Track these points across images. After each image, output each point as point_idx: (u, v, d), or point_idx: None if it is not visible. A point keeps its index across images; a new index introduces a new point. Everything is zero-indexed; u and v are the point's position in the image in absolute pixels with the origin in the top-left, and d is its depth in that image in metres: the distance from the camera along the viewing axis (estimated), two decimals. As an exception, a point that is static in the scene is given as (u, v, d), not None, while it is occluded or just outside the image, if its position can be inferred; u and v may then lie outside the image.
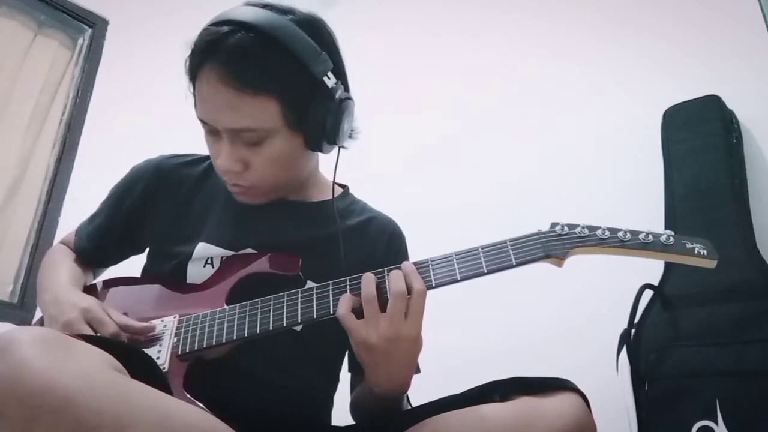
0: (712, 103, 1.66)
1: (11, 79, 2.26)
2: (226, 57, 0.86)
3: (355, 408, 1.00)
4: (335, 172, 1.05)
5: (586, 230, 0.82)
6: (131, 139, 2.23)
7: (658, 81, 1.86)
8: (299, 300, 0.85)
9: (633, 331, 1.56)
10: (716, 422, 1.33)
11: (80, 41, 2.46)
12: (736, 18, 1.74)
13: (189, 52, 0.91)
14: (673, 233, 0.79)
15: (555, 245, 0.81)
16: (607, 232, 0.81)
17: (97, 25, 2.47)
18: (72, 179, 2.23)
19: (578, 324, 1.76)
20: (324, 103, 0.90)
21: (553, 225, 0.84)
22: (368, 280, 0.82)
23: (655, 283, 1.57)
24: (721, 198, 1.55)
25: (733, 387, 1.35)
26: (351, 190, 1.15)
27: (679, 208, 1.62)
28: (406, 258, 1.11)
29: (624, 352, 1.53)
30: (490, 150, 2.23)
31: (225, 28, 0.87)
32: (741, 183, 1.57)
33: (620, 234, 0.80)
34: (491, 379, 0.82)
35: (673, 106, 1.73)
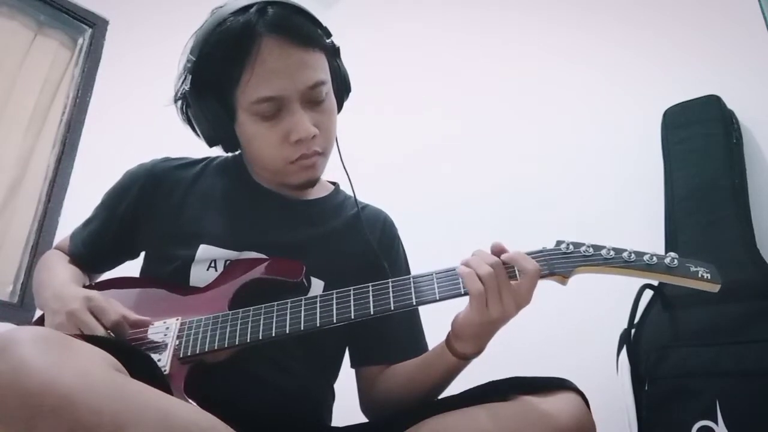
0: (712, 103, 1.66)
1: (11, 79, 2.26)
2: (282, 23, 0.92)
3: (406, 388, 0.96)
4: (340, 156, 1.08)
5: (591, 249, 0.83)
6: (131, 139, 2.24)
7: (658, 81, 1.86)
8: (303, 308, 0.85)
9: (633, 331, 1.56)
10: (716, 422, 1.33)
11: (80, 41, 2.46)
12: (736, 18, 1.74)
13: (211, 50, 0.93)
14: (677, 255, 0.80)
15: (559, 263, 0.82)
16: (612, 252, 0.82)
17: (97, 25, 2.47)
18: (72, 179, 2.23)
19: (578, 324, 1.76)
20: (340, 58, 1.03)
21: (558, 243, 0.85)
22: (479, 259, 0.81)
23: (655, 283, 1.57)
24: (721, 198, 1.55)
25: (733, 387, 1.35)
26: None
27: (679, 208, 1.61)
28: (401, 244, 1.14)
29: (624, 352, 1.52)
30: (490, 150, 2.23)
31: (253, 8, 0.92)
32: (741, 183, 1.57)
33: (625, 255, 0.81)
34: (491, 379, 0.82)
35: (673, 106, 1.73)
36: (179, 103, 1.01)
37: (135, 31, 2.52)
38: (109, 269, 1.13)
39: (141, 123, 2.31)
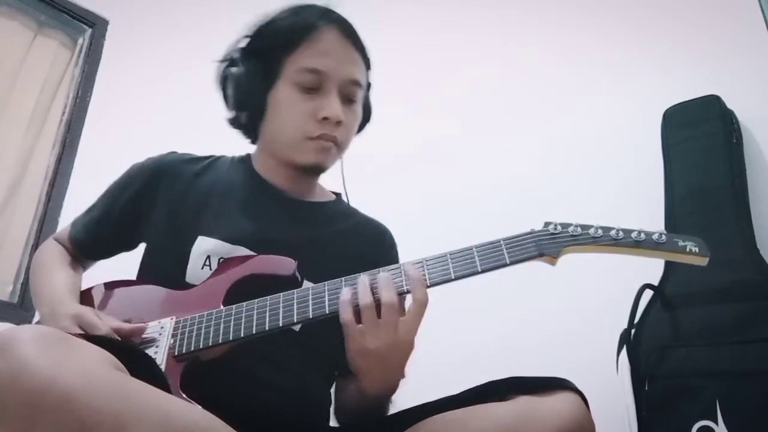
0: (712, 103, 1.66)
1: (11, 79, 2.26)
2: (345, 23, 1.05)
3: (341, 411, 0.99)
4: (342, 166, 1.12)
5: (579, 229, 0.83)
6: (131, 139, 2.23)
7: (658, 81, 1.86)
8: (295, 300, 0.85)
9: (633, 331, 1.56)
10: (716, 422, 1.33)
11: (80, 41, 2.46)
12: (736, 18, 1.74)
13: (279, 18, 1.05)
14: (665, 232, 0.80)
15: (548, 244, 0.82)
16: (600, 231, 0.82)
17: (97, 25, 2.47)
18: (72, 179, 2.23)
19: (578, 324, 1.76)
20: (369, 94, 1.13)
21: (547, 224, 0.85)
22: (363, 287, 0.82)
23: (655, 283, 1.57)
24: (721, 198, 1.55)
25: (733, 387, 1.35)
26: (351, 189, 1.17)
27: (679, 208, 1.61)
28: (397, 261, 1.12)
29: (624, 352, 1.53)
30: (490, 150, 2.23)
31: (325, 8, 1.05)
32: (741, 183, 1.57)
33: (613, 232, 0.81)
34: (490, 379, 0.82)
35: (673, 106, 1.73)
36: (223, 64, 1.07)
37: (135, 31, 2.52)
38: (106, 257, 1.14)
39: (141, 123, 2.31)
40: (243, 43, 1.06)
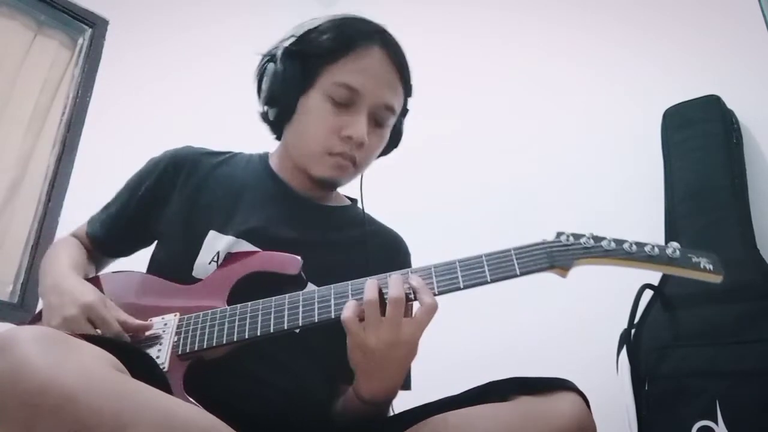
0: (712, 103, 1.66)
1: (11, 79, 2.26)
2: (393, 46, 1.03)
3: (337, 416, 0.98)
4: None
5: (591, 241, 0.81)
6: (131, 139, 2.24)
7: (658, 81, 1.86)
8: (300, 303, 0.85)
9: (633, 331, 1.56)
10: (716, 422, 1.33)
11: (80, 41, 2.46)
12: (736, 18, 1.74)
13: (329, 27, 1.03)
14: (679, 246, 0.78)
15: (560, 256, 0.80)
16: (613, 244, 0.80)
17: (97, 25, 2.47)
18: (72, 179, 2.23)
19: (578, 324, 1.76)
20: (403, 119, 1.12)
21: (558, 235, 0.82)
22: (371, 284, 0.81)
23: (655, 283, 1.57)
24: (721, 198, 1.55)
25: (733, 387, 1.35)
26: (351, 189, 1.16)
27: (679, 209, 1.61)
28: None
29: (624, 352, 1.53)
30: (490, 150, 2.23)
31: (378, 26, 1.04)
32: (741, 183, 1.57)
33: (626, 246, 0.79)
34: (491, 380, 0.82)
35: (673, 106, 1.73)
36: (264, 59, 1.06)
37: (135, 31, 2.52)
38: (125, 254, 1.13)
39: (141, 123, 2.31)
40: (288, 42, 1.03)
